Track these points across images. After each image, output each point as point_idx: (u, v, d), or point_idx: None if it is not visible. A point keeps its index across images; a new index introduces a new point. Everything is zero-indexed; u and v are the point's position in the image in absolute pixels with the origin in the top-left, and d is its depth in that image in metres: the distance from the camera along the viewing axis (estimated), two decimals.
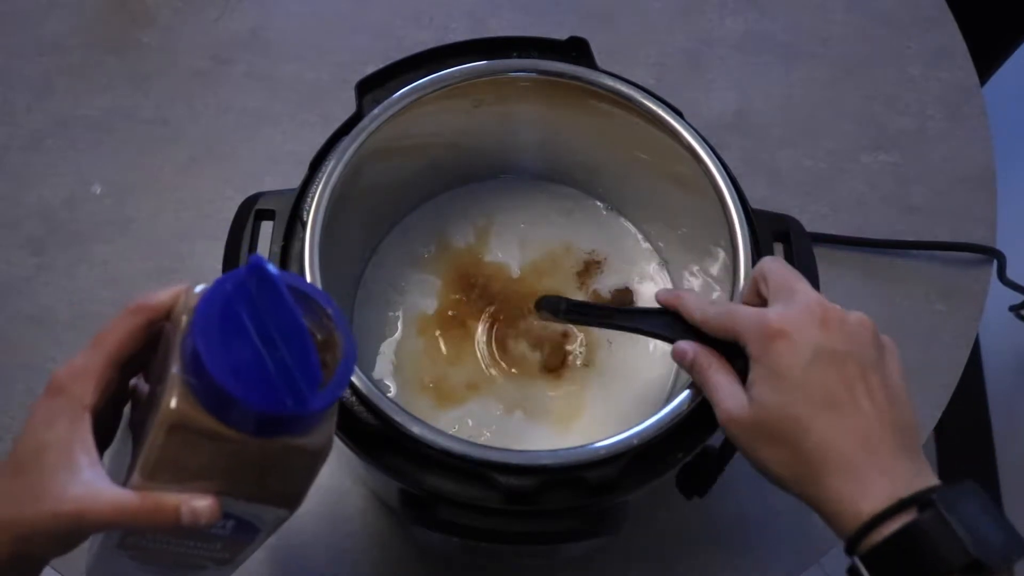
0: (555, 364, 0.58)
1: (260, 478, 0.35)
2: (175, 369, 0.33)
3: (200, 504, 0.33)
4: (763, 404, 0.40)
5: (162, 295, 0.36)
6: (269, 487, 0.35)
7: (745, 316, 0.42)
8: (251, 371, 0.31)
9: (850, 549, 0.37)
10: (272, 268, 0.33)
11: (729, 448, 0.46)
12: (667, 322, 0.47)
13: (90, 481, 0.33)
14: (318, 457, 0.36)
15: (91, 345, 0.35)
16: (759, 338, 0.41)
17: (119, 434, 0.39)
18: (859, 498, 0.37)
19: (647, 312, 0.50)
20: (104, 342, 0.35)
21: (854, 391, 0.39)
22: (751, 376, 0.41)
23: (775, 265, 0.44)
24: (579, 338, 0.59)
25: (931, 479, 0.38)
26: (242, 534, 0.37)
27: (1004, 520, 0.36)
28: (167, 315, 0.36)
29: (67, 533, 0.33)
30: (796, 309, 0.41)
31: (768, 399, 0.40)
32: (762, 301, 0.44)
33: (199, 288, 0.35)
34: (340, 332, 0.35)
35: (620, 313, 0.51)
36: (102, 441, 0.37)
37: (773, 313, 0.41)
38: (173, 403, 0.32)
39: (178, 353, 0.33)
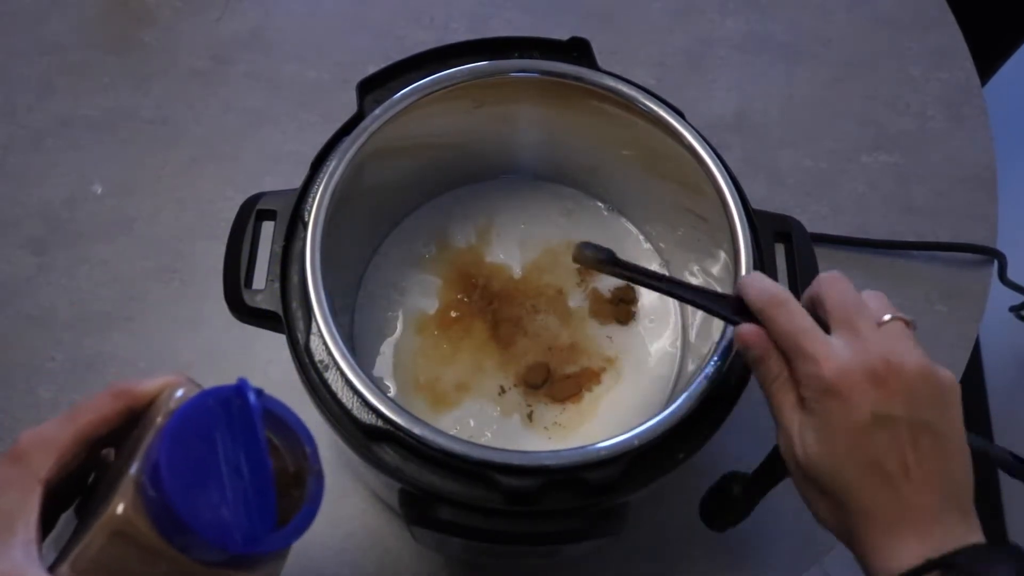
0: (563, 396, 0.57)
1: None
2: (133, 470, 0.32)
3: None
4: (809, 454, 0.40)
5: (148, 385, 0.35)
6: None
7: (807, 355, 0.40)
8: (208, 498, 0.31)
9: None
10: (254, 399, 0.32)
11: (767, 476, 0.45)
12: (727, 303, 0.44)
13: (17, 561, 0.32)
14: None
15: (65, 416, 0.34)
16: (814, 387, 0.39)
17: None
18: (890, 556, 0.38)
19: (703, 290, 0.46)
20: (78, 418, 0.34)
21: (904, 458, 0.38)
22: (803, 418, 0.40)
23: (834, 291, 0.41)
24: (586, 355, 0.59)
25: (968, 538, 0.37)
26: None
27: None
28: (149, 403, 0.35)
29: None
30: (855, 361, 0.39)
31: (815, 451, 0.39)
32: (818, 320, 0.42)
33: (180, 392, 0.34)
34: (312, 474, 0.34)
35: (672, 280, 0.46)
36: (60, 507, 0.36)
37: (830, 366, 0.39)
38: (120, 509, 0.31)
39: (143, 454, 0.32)
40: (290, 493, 0.34)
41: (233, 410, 0.32)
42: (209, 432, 0.32)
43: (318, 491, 0.34)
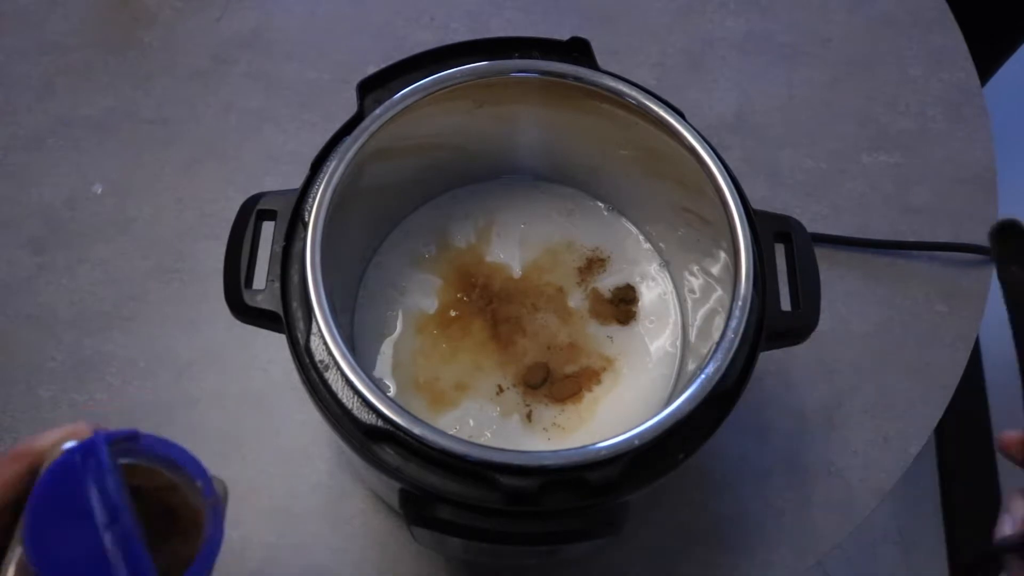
0: (563, 396, 0.57)
1: None
2: (19, 532, 0.30)
3: None
4: None
5: (45, 439, 0.34)
6: None
7: None
8: (87, 566, 0.29)
9: None
10: (105, 454, 0.30)
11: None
12: None
13: None
14: None
15: None
16: None
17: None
18: None
19: None
20: None
21: None
22: None
23: None
24: (589, 356, 0.59)
25: None
26: None
27: None
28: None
29: None
30: None
31: None
32: None
33: (67, 445, 0.32)
34: (208, 508, 0.32)
35: None
36: None
37: None
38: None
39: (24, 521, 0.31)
40: (201, 530, 0.33)
41: (104, 463, 0.31)
42: (78, 492, 0.30)
43: (216, 524, 0.32)
